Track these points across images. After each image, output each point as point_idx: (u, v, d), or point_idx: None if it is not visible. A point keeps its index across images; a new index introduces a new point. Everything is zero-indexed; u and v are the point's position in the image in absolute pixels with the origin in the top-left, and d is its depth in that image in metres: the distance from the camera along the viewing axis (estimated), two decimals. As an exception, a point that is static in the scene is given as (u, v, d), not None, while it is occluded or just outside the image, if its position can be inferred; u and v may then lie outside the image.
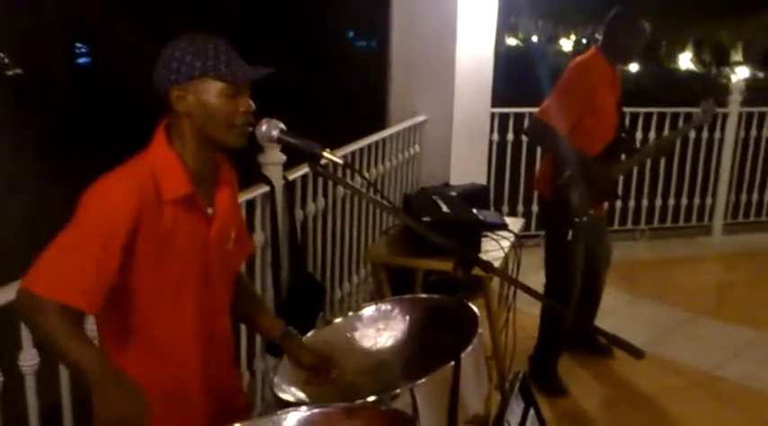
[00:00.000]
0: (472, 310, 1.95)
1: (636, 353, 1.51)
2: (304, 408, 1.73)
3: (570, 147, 3.50)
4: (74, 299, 1.57)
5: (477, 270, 1.70)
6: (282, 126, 1.76)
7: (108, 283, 1.62)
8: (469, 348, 1.78)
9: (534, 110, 3.74)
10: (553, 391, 3.73)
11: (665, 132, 5.72)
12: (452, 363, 1.65)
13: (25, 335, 2.02)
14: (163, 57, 1.69)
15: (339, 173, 3.00)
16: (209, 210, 1.80)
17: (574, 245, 3.64)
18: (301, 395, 1.93)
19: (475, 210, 3.37)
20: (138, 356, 1.76)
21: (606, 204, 4.02)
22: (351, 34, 30.80)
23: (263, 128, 1.74)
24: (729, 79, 26.20)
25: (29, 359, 2.04)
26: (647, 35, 3.64)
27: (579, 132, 3.53)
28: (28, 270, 1.59)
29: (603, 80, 3.63)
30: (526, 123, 5.43)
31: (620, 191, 4.51)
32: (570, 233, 3.54)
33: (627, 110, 5.07)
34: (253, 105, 1.74)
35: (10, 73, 21.32)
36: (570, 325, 3.92)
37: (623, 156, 4.10)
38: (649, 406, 3.73)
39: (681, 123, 5.60)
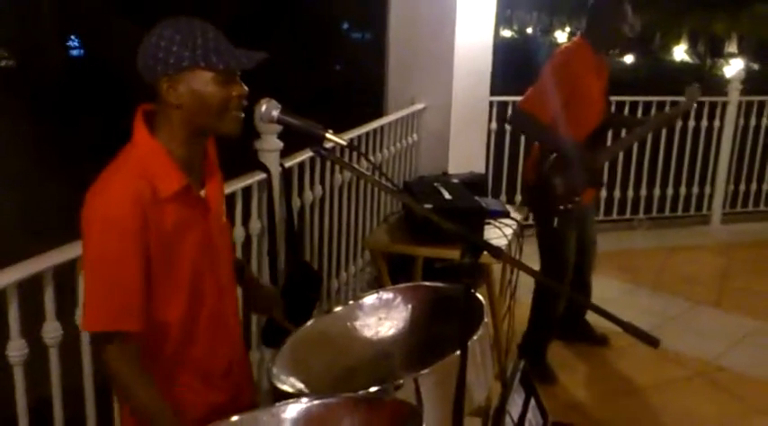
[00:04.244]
0: (477, 298, 1.89)
1: (650, 341, 1.45)
2: (304, 399, 1.68)
3: (554, 135, 3.50)
4: (128, 324, 1.60)
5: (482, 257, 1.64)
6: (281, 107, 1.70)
7: (146, 294, 1.62)
8: (476, 336, 1.72)
9: None
10: (542, 378, 3.65)
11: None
12: (458, 352, 1.59)
13: (14, 324, 1.97)
14: (147, 46, 1.61)
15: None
16: (202, 193, 1.74)
17: (563, 232, 3.63)
18: (300, 386, 1.87)
19: (477, 198, 3.32)
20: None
21: (594, 192, 3.98)
22: (345, 26, 30.64)
23: (263, 108, 1.67)
24: (723, 71, 26.16)
25: (16, 349, 1.99)
26: (632, 19, 3.61)
27: (566, 118, 3.51)
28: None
29: (587, 67, 3.60)
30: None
31: (605, 179, 4.48)
32: (555, 220, 3.54)
33: (613, 98, 5.05)
34: (246, 88, 1.67)
35: (2, 64, 21.17)
36: (565, 311, 3.89)
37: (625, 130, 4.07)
38: (651, 396, 3.70)
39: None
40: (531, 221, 3.86)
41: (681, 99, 4.07)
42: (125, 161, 1.64)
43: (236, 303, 1.94)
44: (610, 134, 4.60)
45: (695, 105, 3.95)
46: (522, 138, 5.59)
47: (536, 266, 3.78)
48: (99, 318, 1.61)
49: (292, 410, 1.66)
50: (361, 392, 1.67)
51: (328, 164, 3.48)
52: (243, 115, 1.68)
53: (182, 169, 1.66)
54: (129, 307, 1.60)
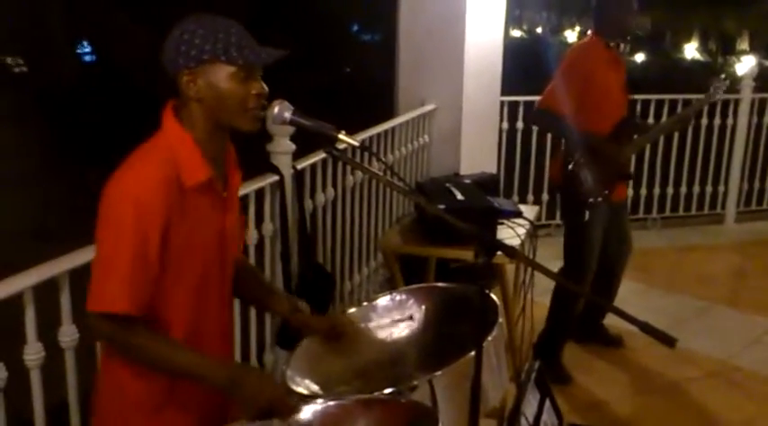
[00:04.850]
0: (491, 298, 1.89)
1: (667, 341, 1.44)
2: (320, 401, 1.68)
3: (575, 129, 3.53)
4: (130, 307, 1.56)
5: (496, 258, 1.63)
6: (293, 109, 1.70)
7: (154, 281, 1.60)
8: (490, 336, 1.71)
9: None
10: (557, 379, 3.63)
11: (664, 119, 5.64)
12: (473, 353, 1.58)
13: (30, 327, 1.97)
14: (171, 40, 1.62)
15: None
16: (224, 194, 1.74)
17: (590, 228, 3.61)
18: (315, 388, 1.87)
19: (489, 198, 3.31)
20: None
21: (627, 188, 3.98)
22: (355, 27, 30.65)
23: (276, 109, 1.67)
24: (734, 68, 26.03)
25: (33, 352, 1.98)
26: (636, 8, 3.65)
27: (586, 113, 3.54)
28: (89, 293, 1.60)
29: (600, 62, 3.63)
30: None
31: (632, 171, 4.47)
32: (587, 213, 3.54)
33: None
34: (266, 88, 1.67)
35: (15, 70, 21.30)
36: (583, 313, 3.87)
37: (635, 136, 4.07)
38: (666, 396, 3.67)
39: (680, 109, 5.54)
40: (544, 221, 3.85)
41: (696, 96, 4.08)
42: (153, 147, 1.64)
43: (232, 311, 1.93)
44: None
45: (721, 96, 3.97)
46: (534, 138, 5.62)
47: (556, 267, 3.77)
48: (122, 299, 1.55)
49: (307, 411, 1.66)
50: (376, 393, 1.67)
51: (340, 165, 3.47)
52: (263, 114, 1.67)
53: (208, 163, 1.66)
54: (146, 292, 1.58)
